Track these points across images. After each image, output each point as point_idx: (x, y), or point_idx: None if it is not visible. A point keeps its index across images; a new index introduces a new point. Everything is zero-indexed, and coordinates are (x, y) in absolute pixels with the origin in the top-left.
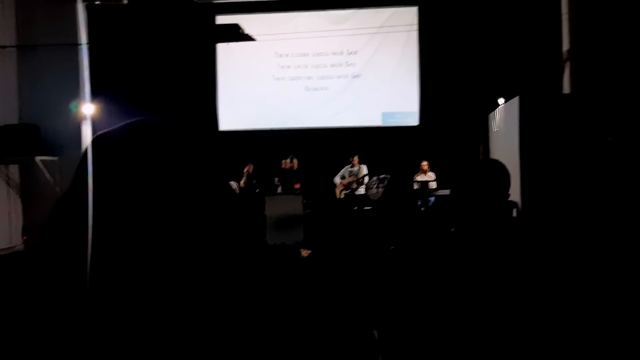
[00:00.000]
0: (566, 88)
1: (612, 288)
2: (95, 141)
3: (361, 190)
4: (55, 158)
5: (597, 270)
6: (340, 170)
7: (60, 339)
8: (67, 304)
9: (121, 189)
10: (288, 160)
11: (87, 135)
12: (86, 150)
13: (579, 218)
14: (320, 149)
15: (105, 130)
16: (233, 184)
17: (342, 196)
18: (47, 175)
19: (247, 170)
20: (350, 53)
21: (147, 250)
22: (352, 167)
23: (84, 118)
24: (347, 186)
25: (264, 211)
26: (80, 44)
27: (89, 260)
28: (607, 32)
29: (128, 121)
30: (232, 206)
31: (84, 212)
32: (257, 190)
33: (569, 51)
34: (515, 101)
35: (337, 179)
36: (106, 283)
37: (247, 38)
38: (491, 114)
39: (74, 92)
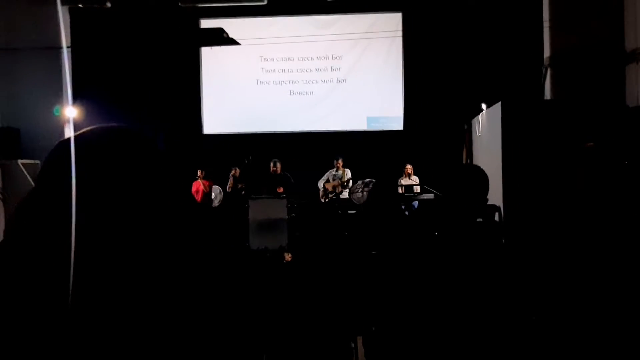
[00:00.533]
0: (547, 94)
1: (592, 289)
2: (57, 146)
3: (345, 194)
4: (37, 161)
5: (578, 272)
6: (325, 174)
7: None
8: (30, 305)
9: (80, 193)
10: (271, 164)
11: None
12: (49, 154)
13: (560, 221)
14: (305, 153)
15: (68, 137)
16: (217, 188)
17: (327, 200)
18: (29, 179)
19: (233, 174)
20: (335, 58)
21: (109, 253)
22: (336, 170)
23: (66, 121)
24: (331, 190)
25: (247, 215)
26: (63, 47)
27: (49, 261)
28: (587, 40)
29: (91, 127)
30: (189, 212)
31: (44, 213)
32: (243, 192)
33: (550, 58)
34: (497, 106)
35: (321, 183)
36: (67, 285)
37: (232, 42)
38: (474, 119)
39: (56, 96)
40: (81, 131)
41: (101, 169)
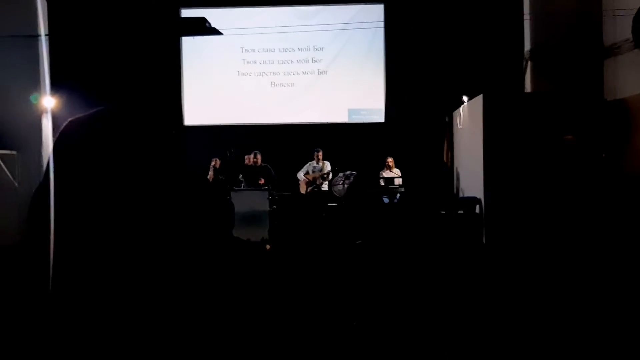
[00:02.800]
0: (528, 87)
1: (571, 280)
2: (66, 127)
3: (325, 187)
4: (14, 152)
5: (557, 262)
6: (304, 166)
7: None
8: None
9: (91, 177)
10: (251, 156)
11: (47, 129)
12: (57, 138)
13: (540, 213)
14: (286, 144)
15: (74, 117)
16: None
17: (307, 192)
18: (5, 170)
19: (214, 165)
20: (317, 49)
21: (115, 240)
22: (316, 162)
23: (44, 111)
24: (311, 182)
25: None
26: (40, 35)
27: (52, 255)
28: (567, 33)
29: (95, 109)
30: (201, 197)
31: (60, 201)
32: (221, 179)
33: (530, 51)
34: (479, 99)
35: (300, 175)
36: (73, 274)
37: (213, 32)
38: (455, 112)
39: (34, 85)
40: (83, 114)
41: (99, 154)
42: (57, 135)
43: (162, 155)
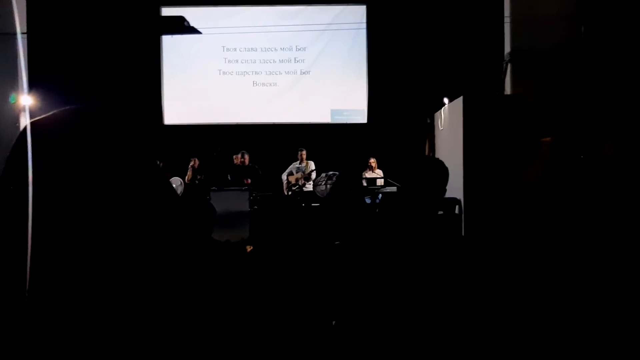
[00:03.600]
0: (508, 89)
1: (551, 282)
2: (25, 130)
3: (309, 187)
4: None
5: (535, 264)
6: (288, 166)
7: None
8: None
9: (52, 179)
10: (239, 156)
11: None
12: (17, 138)
13: (519, 214)
14: (268, 144)
15: (37, 118)
16: (177, 179)
17: (290, 193)
18: None
19: (193, 165)
20: (299, 49)
21: (80, 244)
22: (299, 163)
23: (22, 110)
24: (294, 183)
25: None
26: (17, 33)
27: (18, 253)
28: (547, 36)
29: (58, 110)
30: (169, 196)
31: (12, 203)
32: (197, 181)
33: (510, 53)
34: (459, 101)
35: (284, 176)
36: (34, 280)
37: (194, 31)
38: (437, 113)
39: (11, 84)
40: (48, 114)
41: (71, 153)
42: (16, 139)
43: (138, 156)
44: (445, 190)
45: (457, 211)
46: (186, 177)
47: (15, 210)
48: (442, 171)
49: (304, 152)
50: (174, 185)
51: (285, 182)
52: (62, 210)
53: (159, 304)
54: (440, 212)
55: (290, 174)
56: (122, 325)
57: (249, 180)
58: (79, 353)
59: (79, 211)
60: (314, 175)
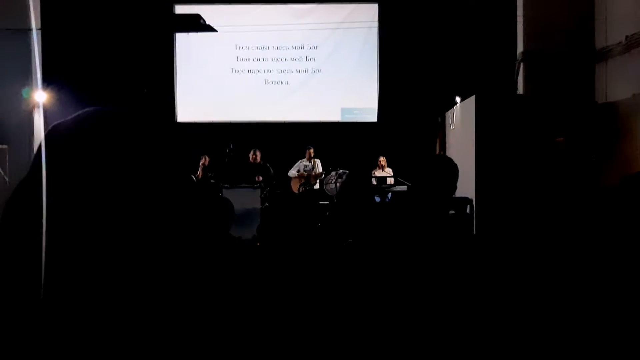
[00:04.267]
0: (520, 89)
1: (561, 282)
2: (50, 132)
3: (317, 185)
4: (5, 146)
5: (548, 262)
6: (295, 164)
7: (15, 335)
8: (23, 297)
9: (78, 181)
10: (251, 153)
11: (38, 123)
12: (42, 141)
13: (530, 214)
14: (279, 142)
15: (60, 120)
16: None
17: (300, 190)
18: None
19: (203, 163)
20: (311, 48)
21: (107, 243)
22: (308, 160)
23: (36, 105)
24: (303, 182)
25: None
26: (32, 29)
27: (44, 253)
28: (560, 36)
29: (82, 111)
30: (191, 196)
31: (39, 203)
32: (212, 179)
33: (523, 53)
34: (471, 100)
35: (291, 173)
36: (63, 277)
37: (207, 29)
38: (448, 112)
39: (25, 79)
40: (71, 116)
41: (100, 155)
42: (43, 140)
43: (155, 155)
44: (455, 188)
45: (468, 211)
46: (197, 175)
47: (40, 210)
48: (451, 169)
49: (312, 150)
50: None
51: (293, 178)
52: (85, 211)
53: (175, 300)
54: (452, 212)
55: (298, 171)
56: (141, 321)
57: (260, 178)
58: (99, 347)
59: (101, 211)
60: (321, 171)
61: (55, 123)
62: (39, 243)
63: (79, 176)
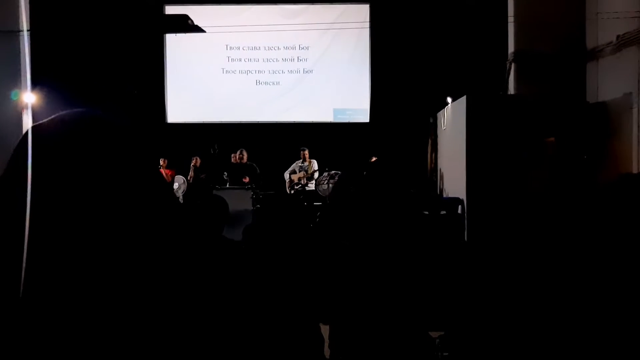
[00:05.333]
0: (511, 89)
1: (551, 282)
2: (27, 133)
3: (311, 186)
4: None
5: (538, 262)
6: (291, 165)
7: None
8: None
9: (53, 183)
10: (237, 154)
11: (27, 125)
12: (19, 142)
13: (521, 214)
14: (271, 143)
15: (39, 122)
16: (180, 178)
17: (292, 191)
18: None
19: (194, 164)
20: (302, 48)
21: (82, 245)
22: (302, 162)
23: (25, 107)
24: (297, 181)
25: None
26: (22, 31)
27: (20, 255)
28: (550, 36)
29: (61, 113)
30: (167, 199)
31: (13, 205)
32: (203, 180)
33: (514, 53)
34: (462, 100)
35: (286, 174)
36: (37, 281)
37: (197, 29)
38: (439, 112)
39: (14, 81)
40: (49, 118)
41: (72, 158)
42: (18, 142)
43: (138, 159)
44: (404, 190)
45: (459, 211)
46: (188, 176)
47: (14, 213)
48: (391, 172)
49: (307, 152)
50: (176, 184)
51: (287, 180)
52: (63, 213)
53: (164, 303)
54: (443, 212)
55: (293, 172)
56: (126, 325)
57: (247, 179)
58: (83, 352)
59: (79, 213)
60: (316, 175)
61: (31, 125)
62: (14, 246)
63: (54, 178)
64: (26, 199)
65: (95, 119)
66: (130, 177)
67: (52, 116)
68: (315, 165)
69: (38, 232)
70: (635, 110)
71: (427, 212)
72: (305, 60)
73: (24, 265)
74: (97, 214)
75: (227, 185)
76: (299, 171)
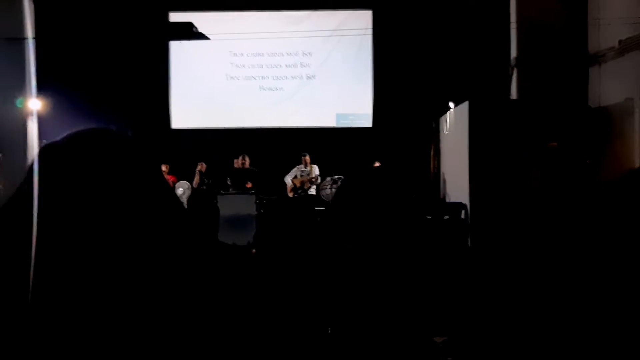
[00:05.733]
0: (514, 94)
1: (554, 285)
2: (42, 152)
3: (313, 191)
4: None
5: (542, 267)
6: (292, 169)
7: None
8: (9, 312)
9: (68, 200)
10: (239, 159)
11: (32, 132)
12: (33, 160)
13: (525, 219)
14: (274, 148)
15: (52, 140)
16: (185, 183)
17: (295, 196)
18: None
19: (200, 169)
20: (305, 54)
21: (95, 260)
22: (304, 167)
23: (30, 114)
24: (299, 186)
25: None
26: (27, 38)
27: (32, 270)
28: (553, 41)
29: (74, 130)
30: (180, 214)
31: (27, 221)
32: (204, 187)
33: (516, 58)
34: (465, 105)
35: (287, 179)
36: (49, 292)
37: (201, 36)
38: (442, 117)
39: (20, 87)
40: (63, 136)
41: (89, 173)
42: (35, 158)
43: (151, 168)
44: (405, 198)
45: (463, 216)
46: (194, 182)
47: (34, 222)
48: (390, 180)
49: (307, 157)
50: (181, 189)
51: (289, 185)
52: (80, 222)
53: (163, 307)
54: (446, 217)
55: (295, 177)
56: (128, 328)
57: (250, 184)
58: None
59: (94, 222)
60: (319, 180)
61: (47, 143)
62: (27, 262)
63: (69, 196)
64: (40, 212)
65: (108, 135)
66: (142, 187)
67: (66, 133)
68: (316, 170)
69: (57, 238)
70: (637, 115)
71: (430, 217)
72: (308, 66)
73: (44, 274)
74: (111, 221)
75: (230, 191)
76: (301, 176)
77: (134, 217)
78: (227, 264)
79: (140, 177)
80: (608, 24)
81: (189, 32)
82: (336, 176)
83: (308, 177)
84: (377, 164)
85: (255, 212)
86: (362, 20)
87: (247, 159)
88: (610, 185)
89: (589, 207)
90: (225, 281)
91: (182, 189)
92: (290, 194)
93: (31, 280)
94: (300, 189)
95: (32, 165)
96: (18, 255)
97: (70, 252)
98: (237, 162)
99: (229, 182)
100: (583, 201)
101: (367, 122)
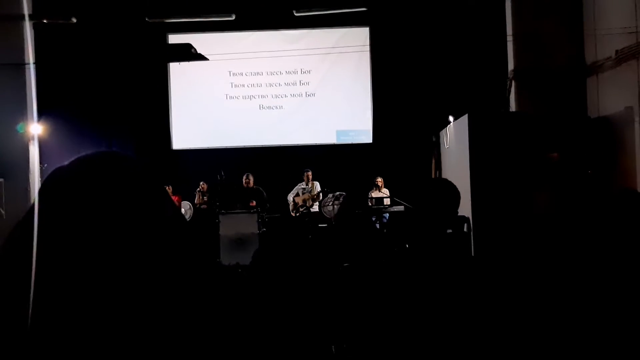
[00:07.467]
0: (513, 106)
1: (558, 295)
2: (50, 176)
3: (315, 208)
4: (1, 179)
5: (546, 278)
6: (294, 187)
7: None
8: (12, 329)
9: (78, 225)
10: (244, 178)
11: (34, 156)
12: (41, 188)
13: (528, 231)
14: (275, 166)
15: (59, 165)
16: (186, 204)
17: (297, 214)
18: None
19: (201, 189)
20: (304, 72)
21: (106, 285)
22: (306, 184)
23: (31, 139)
24: (301, 204)
25: (218, 231)
26: (28, 64)
27: (34, 294)
28: (549, 52)
29: (81, 155)
30: (189, 234)
31: (32, 248)
32: (205, 206)
33: (514, 71)
34: (464, 119)
35: (290, 197)
36: (56, 311)
37: (200, 57)
38: (442, 131)
39: (21, 112)
40: (70, 161)
41: (99, 196)
42: (40, 187)
43: (157, 189)
44: (456, 212)
45: (465, 229)
46: (195, 201)
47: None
48: (453, 193)
49: (310, 173)
50: (182, 210)
51: (291, 203)
52: (79, 257)
53: (160, 322)
54: (449, 231)
55: (297, 195)
56: (129, 350)
57: (254, 202)
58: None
59: (97, 258)
60: (321, 196)
61: (55, 168)
62: (29, 288)
63: (75, 224)
64: (46, 240)
65: (115, 157)
66: (152, 209)
67: (73, 158)
68: (318, 186)
69: (52, 274)
70: (637, 124)
71: (451, 231)
72: (308, 83)
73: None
74: (124, 244)
75: (233, 210)
76: (302, 193)
77: (146, 239)
78: (227, 284)
79: (149, 199)
80: (604, 35)
81: (187, 53)
82: (338, 193)
83: (310, 195)
84: (379, 179)
85: (258, 231)
86: (359, 37)
87: (251, 177)
88: (613, 194)
89: (592, 217)
90: (228, 301)
91: (183, 210)
92: (293, 213)
93: (32, 300)
94: (303, 206)
95: (40, 190)
96: (26, 279)
97: (81, 275)
98: (244, 181)
99: (235, 202)
100: (586, 212)
101: (367, 138)
